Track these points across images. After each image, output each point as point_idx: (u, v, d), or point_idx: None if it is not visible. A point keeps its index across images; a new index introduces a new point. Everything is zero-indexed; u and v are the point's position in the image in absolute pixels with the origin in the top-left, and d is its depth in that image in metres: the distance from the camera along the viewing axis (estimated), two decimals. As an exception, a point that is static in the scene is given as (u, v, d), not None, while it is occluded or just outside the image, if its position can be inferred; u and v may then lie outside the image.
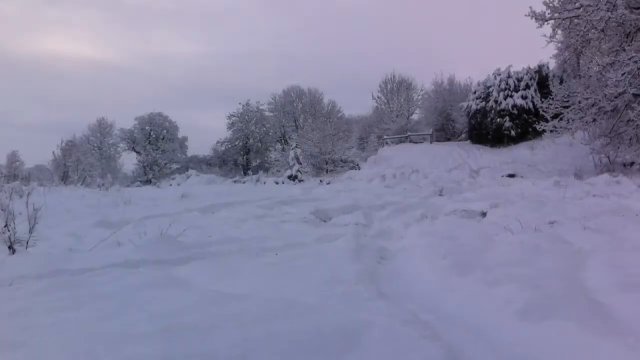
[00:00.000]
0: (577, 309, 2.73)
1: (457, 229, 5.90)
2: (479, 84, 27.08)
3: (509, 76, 25.16)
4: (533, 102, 23.84)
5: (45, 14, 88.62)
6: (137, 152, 40.96)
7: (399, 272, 4.44)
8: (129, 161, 41.20)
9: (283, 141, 41.91)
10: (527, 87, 24.75)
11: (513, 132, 24.41)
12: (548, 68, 24.72)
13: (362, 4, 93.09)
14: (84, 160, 30.58)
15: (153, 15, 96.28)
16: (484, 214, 7.63)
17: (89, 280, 3.81)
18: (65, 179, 29.93)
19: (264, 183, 23.88)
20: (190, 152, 43.99)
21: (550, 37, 14.86)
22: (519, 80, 25.01)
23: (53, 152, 32.03)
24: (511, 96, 24.66)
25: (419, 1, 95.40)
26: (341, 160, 28.31)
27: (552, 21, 14.37)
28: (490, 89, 25.62)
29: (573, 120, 15.55)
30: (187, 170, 32.30)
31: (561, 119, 16.09)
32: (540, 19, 14.05)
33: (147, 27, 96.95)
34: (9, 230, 4.79)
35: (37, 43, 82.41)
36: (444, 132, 33.88)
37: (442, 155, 23.73)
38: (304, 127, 34.63)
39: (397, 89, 37.44)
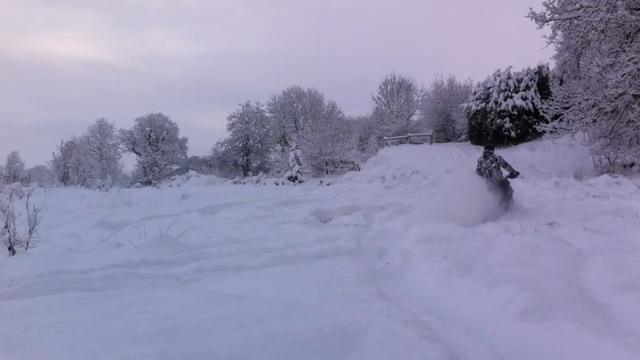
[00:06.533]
0: (577, 310, 2.73)
1: (457, 230, 5.90)
2: (479, 85, 27.09)
3: (509, 77, 25.16)
4: (533, 103, 23.86)
5: (44, 14, 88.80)
6: (137, 153, 40.98)
7: (399, 273, 4.44)
8: (129, 162, 41.29)
9: (283, 142, 41.90)
10: (527, 88, 24.76)
11: (513, 133, 24.42)
12: (548, 69, 24.72)
13: (363, 4, 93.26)
14: (84, 161, 30.57)
15: (152, 16, 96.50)
16: (484, 215, 7.62)
17: (89, 281, 3.81)
18: (65, 180, 29.94)
19: (264, 184, 23.87)
20: (190, 153, 44.05)
21: (550, 38, 14.88)
22: (519, 81, 25.01)
23: (53, 153, 32.06)
24: (511, 97, 24.66)
25: (419, 2, 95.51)
26: (341, 161, 28.28)
27: (552, 22, 14.38)
28: (490, 90, 25.62)
29: (573, 121, 15.55)
30: (187, 171, 32.32)
31: (561, 120, 16.10)
32: (540, 20, 14.06)
33: (147, 28, 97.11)
34: (9, 231, 4.79)
35: (37, 44, 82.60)
36: (444, 133, 33.91)
37: (442, 156, 23.72)
38: (304, 128, 34.60)
39: (397, 90, 37.44)
